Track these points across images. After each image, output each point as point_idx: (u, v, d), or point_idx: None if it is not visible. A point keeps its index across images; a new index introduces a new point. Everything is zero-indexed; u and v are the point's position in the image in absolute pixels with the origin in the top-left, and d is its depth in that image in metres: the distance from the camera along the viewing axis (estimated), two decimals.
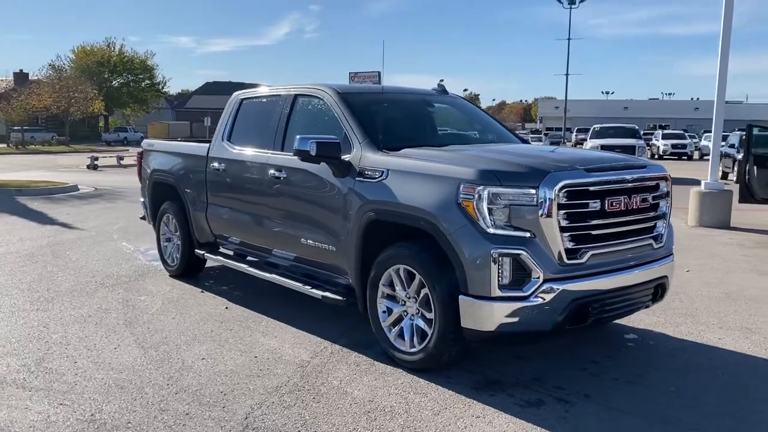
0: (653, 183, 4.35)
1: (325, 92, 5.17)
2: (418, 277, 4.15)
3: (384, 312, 4.48)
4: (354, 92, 5.27)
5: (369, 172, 4.51)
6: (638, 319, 5.31)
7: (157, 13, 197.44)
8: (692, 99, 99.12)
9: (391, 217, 4.34)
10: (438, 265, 4.04)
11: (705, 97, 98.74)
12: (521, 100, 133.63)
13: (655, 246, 4.39)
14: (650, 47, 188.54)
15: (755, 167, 11.25)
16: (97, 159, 26.06)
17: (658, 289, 4.42)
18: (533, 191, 3.78)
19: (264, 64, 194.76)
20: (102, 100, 52.39)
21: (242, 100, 6.20)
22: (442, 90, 5.95)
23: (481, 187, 3.81)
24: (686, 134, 40.74)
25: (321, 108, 5.22)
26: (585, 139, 26.54)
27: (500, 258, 3.74)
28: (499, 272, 3.75)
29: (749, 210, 12.04)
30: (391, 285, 4.42)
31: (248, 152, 5.76)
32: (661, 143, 35.56)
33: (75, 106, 47.30)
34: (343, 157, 4.69)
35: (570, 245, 3.86)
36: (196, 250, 6.60)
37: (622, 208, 4.10)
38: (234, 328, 5.26)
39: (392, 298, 4.44)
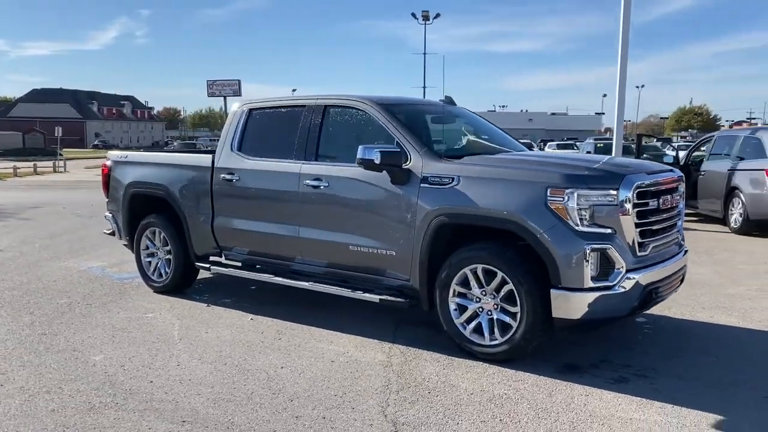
0: (678, 184, 5.04)
1: (367, 104, 5.34)
2: (500, 274, 4.49)
3: (455, 310, 4.76)
4: (395, 104, 5.49)
5: (435, 179, 4.78)
6: None
7: None
8: (522, 111, 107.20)
9: (468, 220, 4.65)
10: (522, 262, 4.42)
11: (533, 109, 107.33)
12: None
13: (679, 239, 5.08)
14: (479, 62, 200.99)
15: None
16: None
17: (682, 277, 5.12)
18: (614, 192, 4.29)
19: (92, 69, 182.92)
20: None
21: (251, 110, 6.16)
22: (450, 101, 6.33)
23: (569, 190, 4.25)
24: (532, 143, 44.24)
25: (361, 119, 5.39)
26: None
27: (591, 253, 4.21)
28: (590, 266, 4.21)
29: None
30: (463, 284, 4.72)
31: (270, 163, 5.76)
32: None
33: None
34: (403, 165, 4.92)
35: (639, 239, 4.42)
36: (198, 263, 6.44)
37: (668, 206, 4.74)
38: (282, 337, 5.26)
39: (463, 295, 4.74)
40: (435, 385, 4.23)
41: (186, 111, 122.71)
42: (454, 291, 4.75)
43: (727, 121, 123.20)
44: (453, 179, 4.71)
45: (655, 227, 4.60)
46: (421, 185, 4.84)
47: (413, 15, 45.50)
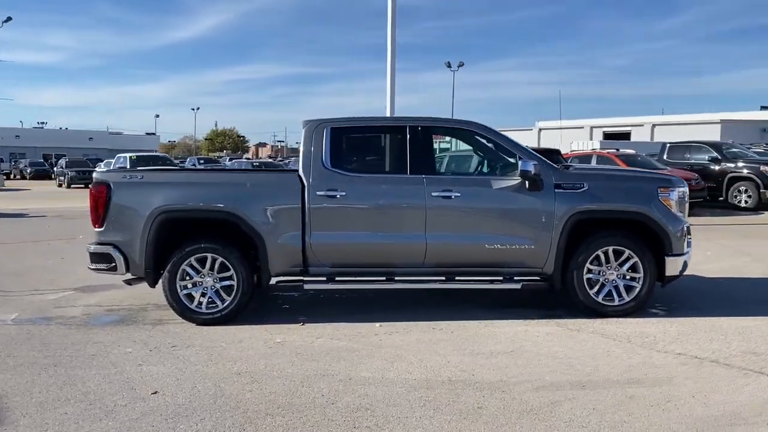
0: None
1: (476, 126, 6.46)
2: (627, 252, 6.22)
3: (586, 284, 6.30)
4: (490, 127, 6.64)
5: (569, 185, 6.19)
6: None
7: None
8: (61, 128, 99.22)
9: (604, 215, 6.25)
10: (642, 241, 6.28)
11: (72, 127, 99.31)
12: None
13: None
14: None
15: None
16: None
17: None
18: (684, 189, 6.53)
19: None
20: None
21: (333, 128, 6.33)
22: None
23: (671, 188, 6.32)
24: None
25: (471, 138, 6.50)
26: None
27: (685, 229, 6.34)
28: (685, 237, 6.34)
29: None
30: (592, 262, 6.28)
31: (387, 177, 6.29)
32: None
33: None
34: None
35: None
36: (277, 283, 6.26)
37: None
38: (454, 331, 5.83)
39: (591, 272, 6.30)
40: (637, 336, 5.69)
41: None
42: (587, 269, 6.28)
43: (255, 144, 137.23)
44: (583, 185, 6.24)
45: None
46: (556, 190, 6.20)
47: None
